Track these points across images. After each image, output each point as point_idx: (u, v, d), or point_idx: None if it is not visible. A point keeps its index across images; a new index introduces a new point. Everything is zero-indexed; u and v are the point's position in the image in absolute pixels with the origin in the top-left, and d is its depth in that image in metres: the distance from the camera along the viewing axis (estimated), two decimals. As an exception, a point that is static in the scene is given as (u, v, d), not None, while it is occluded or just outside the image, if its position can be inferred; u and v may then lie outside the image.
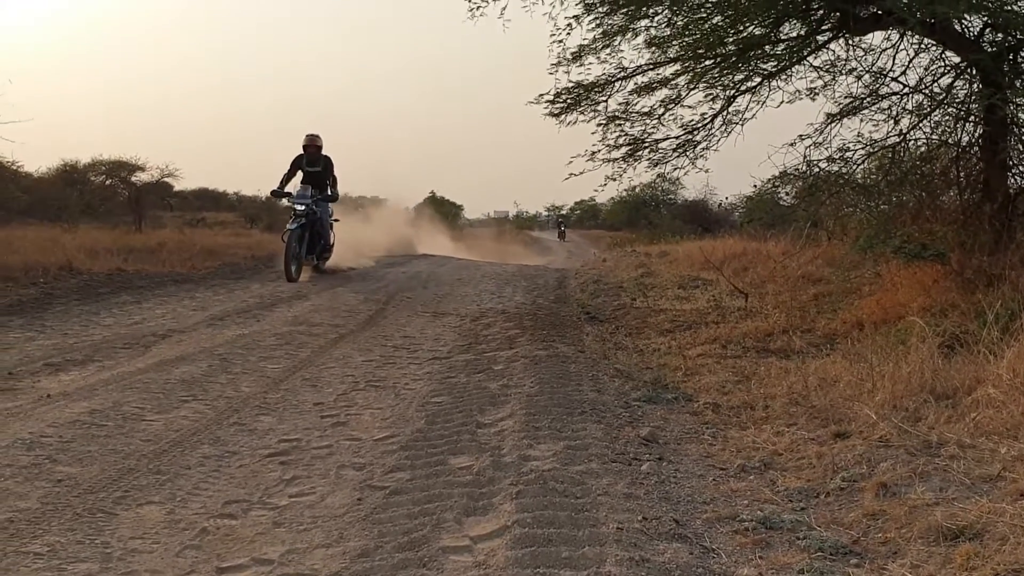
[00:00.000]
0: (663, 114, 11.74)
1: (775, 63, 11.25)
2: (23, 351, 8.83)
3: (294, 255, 15.67)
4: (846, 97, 10.79)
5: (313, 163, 17.06)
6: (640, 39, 11.40)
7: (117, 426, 6.21)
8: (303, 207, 15.91)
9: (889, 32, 10.54)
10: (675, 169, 12.06)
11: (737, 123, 11.68)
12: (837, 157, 10.56)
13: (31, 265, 14.08)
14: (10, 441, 5.71)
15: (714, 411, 6.71)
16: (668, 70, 11.58)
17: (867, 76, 10.70)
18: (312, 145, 17.07)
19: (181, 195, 36.23)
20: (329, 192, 17.06)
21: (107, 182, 30.61)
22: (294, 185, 16.86)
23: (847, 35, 10.81)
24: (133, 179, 30.22)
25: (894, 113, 10.56)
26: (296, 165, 17.05)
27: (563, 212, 72.39)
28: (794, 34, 11.16)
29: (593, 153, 11.68)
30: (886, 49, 10.77)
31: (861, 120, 10.79)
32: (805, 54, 11.19)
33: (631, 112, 11.78)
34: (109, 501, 4.76)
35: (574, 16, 11.16)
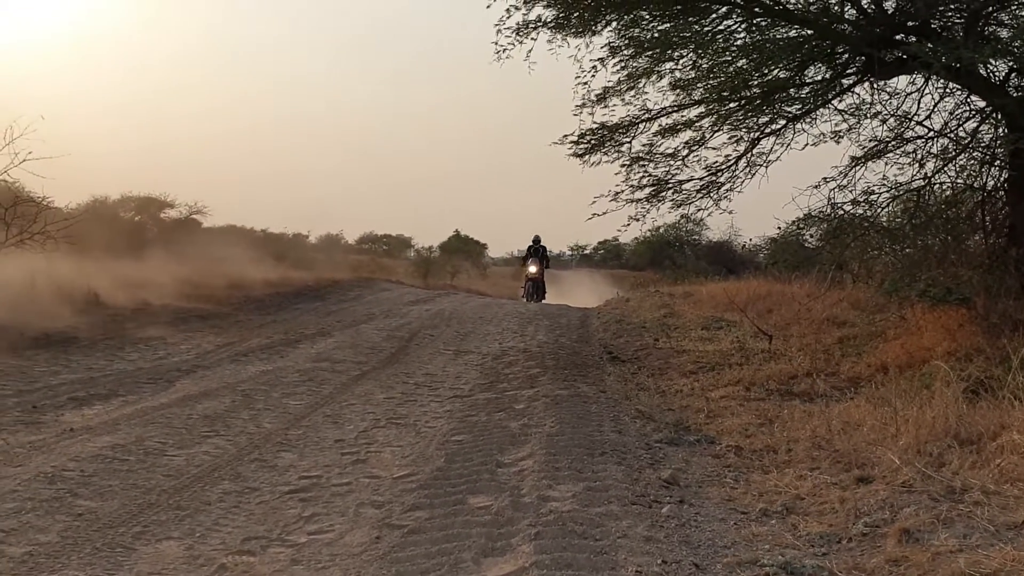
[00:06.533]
0: (687, 155, 11.79)
1: (799, 106, 11.29)
2: (47, 384, 8.91)
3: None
4: (871, 140, 10.78)
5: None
6: (665, 81, 11.52)
7: (139, 460, 6.25)
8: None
9: (914, 76, 10.56)
10: (699, 210, 12.09)
11: (761, 165, 11.70)
12: (862, 200, 10.53)
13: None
14: (32, 475, 5.76)
15: (736, 454, 6.66)
16: (692, 112, 11.66)
17: (892, 120, 10.69)
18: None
19: (209, 232, 36.41)
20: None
21: (136, 218, 30.87)
22: None
23: (872, 79, 10.83)
24: (162, 215, 30.50)
25: (919, 157, 10.53)
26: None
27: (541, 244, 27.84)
28: (819, 77, 11.21)
29: (617, 193, 11.73)
30: (911, 93, 10.78)
31: (886, 163, 10.77)
32: (829, 97, 11.23)
33: (655, 153, 11.84)
34: (129, 536, 4.78)
35: (599, 59, 11.30)
